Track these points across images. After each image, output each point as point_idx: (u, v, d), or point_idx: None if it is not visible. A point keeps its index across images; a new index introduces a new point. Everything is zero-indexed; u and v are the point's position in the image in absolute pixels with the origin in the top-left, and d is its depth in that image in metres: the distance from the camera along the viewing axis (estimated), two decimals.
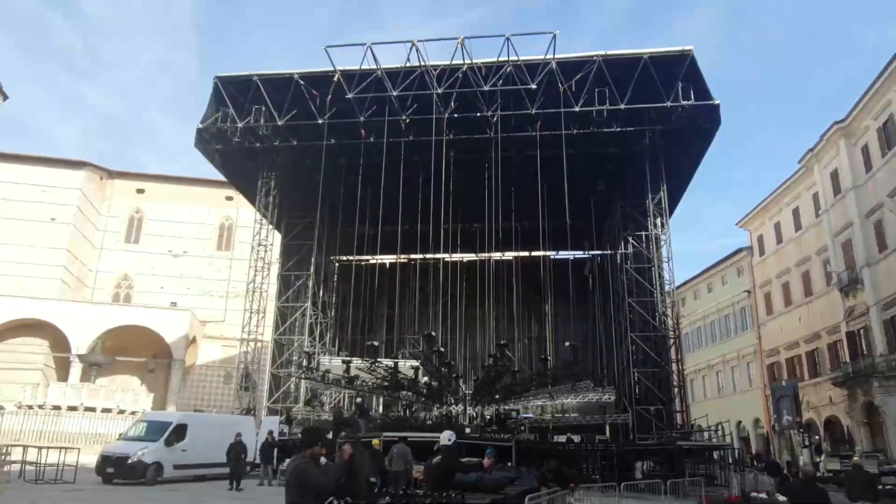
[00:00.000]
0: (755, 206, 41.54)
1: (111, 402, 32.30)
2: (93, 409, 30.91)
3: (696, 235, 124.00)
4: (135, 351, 45.41)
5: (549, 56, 26.16)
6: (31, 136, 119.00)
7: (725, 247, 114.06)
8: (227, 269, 52.01)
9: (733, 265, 44.54)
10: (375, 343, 23.34)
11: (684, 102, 26.82)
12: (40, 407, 30.61)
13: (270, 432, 20.56)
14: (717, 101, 27.03)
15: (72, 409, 30.84)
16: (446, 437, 8.00)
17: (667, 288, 29.71)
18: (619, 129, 28.00)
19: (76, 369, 40.90)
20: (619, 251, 32.29)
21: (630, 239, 31.36)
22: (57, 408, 30.78)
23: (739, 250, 43.56)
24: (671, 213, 31.76)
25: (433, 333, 23.22)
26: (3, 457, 18.45)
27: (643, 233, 30.62)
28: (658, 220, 29.99)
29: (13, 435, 26.43)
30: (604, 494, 13.18)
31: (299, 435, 27.32)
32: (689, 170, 31.42)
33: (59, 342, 43.15)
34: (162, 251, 52.58)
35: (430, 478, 7.78)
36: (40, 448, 19.45)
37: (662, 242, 30.34)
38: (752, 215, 42.09)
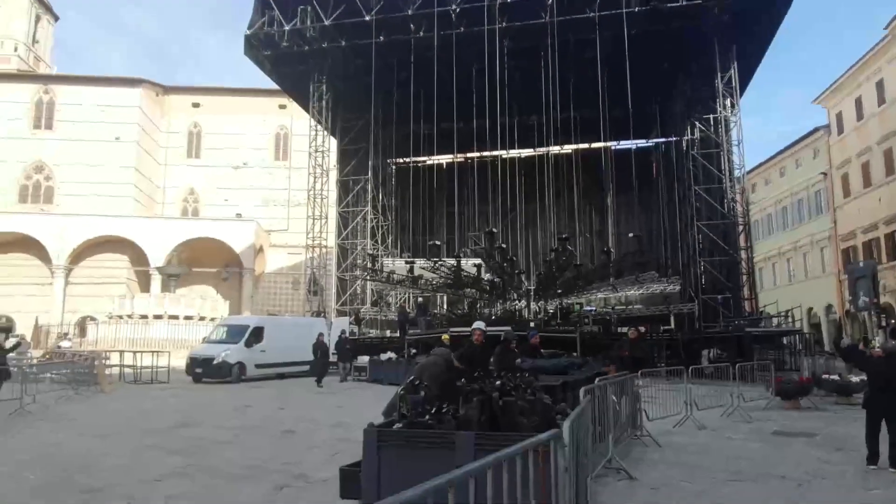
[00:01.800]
0: (834, 81, 38.33)
1: (191, 310, 34.28)
2: (175, 317, 32.94)
3: (764, 123, 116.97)
4: (207, 262, 47.56)
5: None
6: (82, 61, 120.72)
7: (797, 131, 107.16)
8: (286, 178, 52.76)
9: (808, 146, 41.90)
10: (437, 243, 23.53)
11: None
12: (129, 317, 32.83)
13: (343, 331, 21.43)
14: None
15: (157, 317, 32.96)
16: (478, 325, 8.19)
17: (736, 173, 28.36)
18: (684, 3, 25.83)
19: (156, 281, 43.33)
20: (686, 137, 30.76)
21: (697, 123, 29.72)
22: (144, 317, 32.96)
23: (816, 130, 40.75)
24: (741, 92, 29.72)
25: (494, 230, 23.14)
26: (104, 361, 19.99)
27: (711, 116, 28.90)
28: (727, 101, 28.16)
29: (108, 342, 28.62)
30: (669, 381, 13.18)
31: (370, 334, 28.54)
32: (759, 49, 28.99)
33: (138, 257, 45.61)
34: (222, 164, 53.63)
35: (495, 360, 7.89)
36: (135, 353, 20.94)
37: (732, 125, 28.64)
38: (831, 91, 38.97)
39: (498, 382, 4.21)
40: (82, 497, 6.24)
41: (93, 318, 38.43)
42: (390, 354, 21.29)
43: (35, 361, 21.22)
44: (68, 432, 10.74)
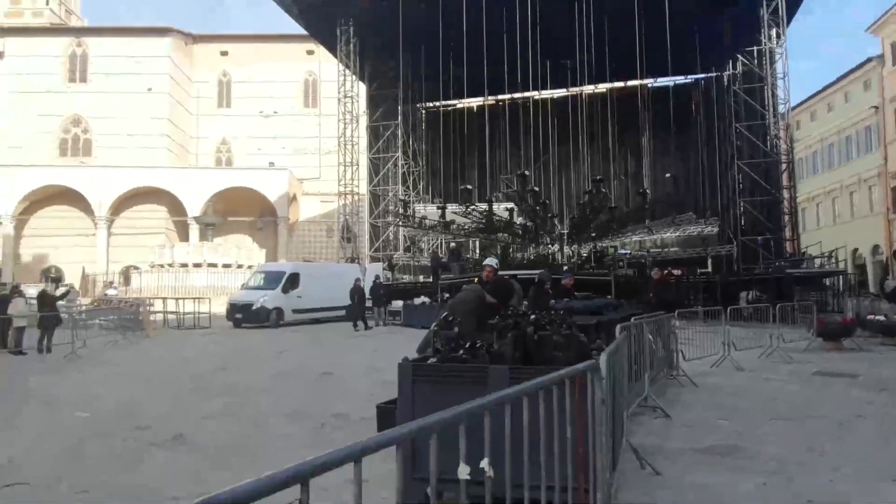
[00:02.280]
0: (890, 7, 36.03)
1: (229, 258, 35.00)
2: (214, 265, 33.71)
3: (810, 59, 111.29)
4: (243, 211, 48.20)
5: None
6: (112, 13, 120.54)
7: (848, 64, 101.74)
8: (317, 126, 52.58)
9: (860, 78, 39.80)
10: (469, 187, 23.36)
11: None
12: (169, 265, 33.71)
13: (377, 277, 21.64)
14: None
15: (196, 265, 33.78)
16: (489, 262, 8.12)
17: (780, 109, 27.15)
18: None
19: (194, 231, 44.22)
20: (727, 72, 29.43)
21: (740, 57, 28.35)
22: (184, 265, 33.82)
23: (868, 60, 38.62)
24: (788, 21, 28.13)
25: (526, 173, 22.77)
26: (148, 308, 20.66)
27: (755, 48, 27.52)
28: (773, 32, 26.72)
29: (151, 290, 29.52)
30: (706, 323, 12.99)
31: (403, 279, 28.76)
32: None
33: (175, 207, 46.48)
34: (253, 113, 53.63)
35: (529, 302, 7.85)
36: (177, 300, 21.54)
37: (777, 56, 27.25)
38: (886, 18, 36.68)
39: (532, 317, 4.14)
40: (133, 433, 6.49)
41: (136, 268, 39.61)
42: (424, 299, 21.48)
43: (84, 309, 22.06)
44: (116, 375, 11.18)
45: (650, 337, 6.95)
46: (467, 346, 3.58)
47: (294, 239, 50.95)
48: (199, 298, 21.75)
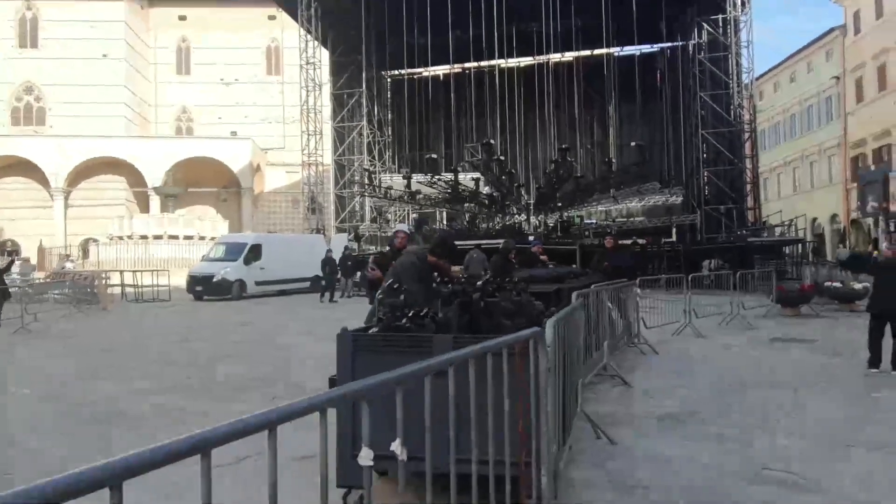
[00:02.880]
0: None
1: (191, 230, 34.14)
2: (175, 237, 32.85)
3: (775, 28, 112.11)
4: (206, 182, 47.05)
5: None
6: None
7: (812, 34, 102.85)
8: (280, 94, 51.36)
9: (822, 48, 40.18)
10: (434, 156, 23.00)
11: None
12: (129, 237, 32.75)
13: (347, 247, 21.30)
14: None
15: (157, 237, 32.90)
16: (400, 227, 7.94)
17: (744, 78, 27.27)
18: None
19: (155, 202, 43.01)
20: (693, 41, 29.41)
21: (706, 25, 28.31)
22: (144, 237, 32.90)
23: (831, 30, 38.96)
24: None
25: (491, 141, 22.51)
26: (104, 281, 20.02)
27: (720, 16, 27.49)
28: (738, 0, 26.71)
29: (109, 263, 28.60)
30: (668, 292, 13.09)
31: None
32: None
33: (135, 177, 45.12)
34: (214, 80, 52.07)
35: (491, 271, 7.69)
36: (135, 272, 20.93)
37: (742, 24, 27.28)
38: None
39: (479, 283, 3.97)
40: (72, 409, 6.20)
41: (95, 240, 38.46)
42: None
43: (37, 282, 21.32)
44: (66, 350, 10.77)
45: (609, 305, 6.86)
46: (411, 314, 3.39)
47: (259, 210, 50.02)
48: (158, 271, 21.09)
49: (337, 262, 20.15)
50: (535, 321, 3.39)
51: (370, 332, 3.54)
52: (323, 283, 19.88)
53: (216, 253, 21.91)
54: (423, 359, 2.57)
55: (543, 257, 10.49)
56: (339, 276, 20.37)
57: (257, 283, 20.90)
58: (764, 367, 7.97)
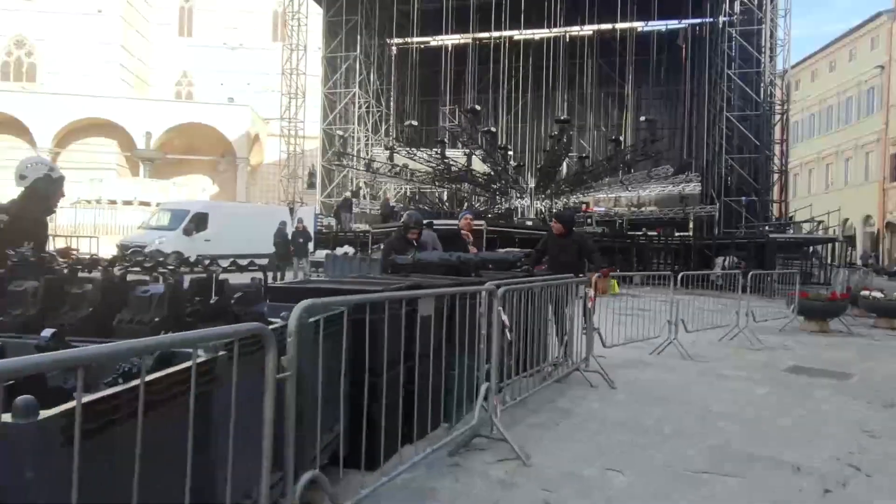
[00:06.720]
0: None
1: (165, 197, 31.75)
2: (147, 204, 30.50)
3: (814, 17, 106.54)
4: (203, 150, 44.84)
5: None
6: None
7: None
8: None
9: (867, 34, 36.60)
10: (414, 123, 20.24)
11: None
12: (97, 202, 30.53)
13: (300, 220, 18.68)
14: None
15: (127, 203, 30.68)
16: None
17: (779, 52, 24.08)
18: None
19: (144, 167, 40.93)
20: (723, 16, 26.21)
21: None
22: (112, 202, 30.71)
23: (878, 15, 35.37)
24: None
25: (478, 108, 19.65)
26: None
27: None
28: None
29: (67, 230, 26.17)
30: (653, 287, 10.49)
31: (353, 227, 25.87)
32: None
33: (128, 142, 43.03)
34: (217, 44, 49.69)
35: (383, 253, 5.12)
36: (67, 238, 18.58)
37: None
38: None
39: None
40: None
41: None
42: (346, 249, 18.68)
43: None
44: None
45: (501, 312, 4.16)
46: None
47: (257, 182, 47.68)
48: (90, 237, 18.59)
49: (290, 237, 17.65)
50: None
51: None
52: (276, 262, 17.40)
53: (158, 220, 19.43)
54: None
55: (466, 234, 7.75)
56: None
57: (200, 258, 18.43)
58: (772, 426, 5.01)
